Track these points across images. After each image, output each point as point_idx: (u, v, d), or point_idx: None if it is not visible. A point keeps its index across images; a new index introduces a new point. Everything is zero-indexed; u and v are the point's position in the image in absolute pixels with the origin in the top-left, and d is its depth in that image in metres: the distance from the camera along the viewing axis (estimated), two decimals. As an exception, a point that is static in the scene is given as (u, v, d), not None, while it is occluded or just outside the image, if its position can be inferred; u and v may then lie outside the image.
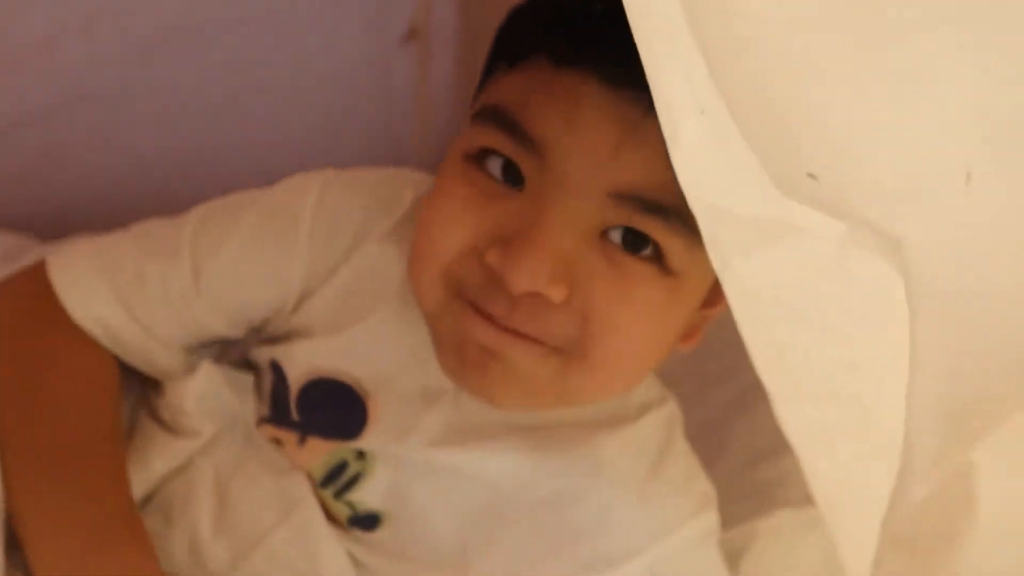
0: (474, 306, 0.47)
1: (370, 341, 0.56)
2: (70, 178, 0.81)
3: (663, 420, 0.59)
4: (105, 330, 0.58)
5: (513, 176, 0.47)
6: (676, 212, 0.44)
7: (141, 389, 0.63)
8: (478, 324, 0.47)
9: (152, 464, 0.59)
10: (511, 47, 0.49)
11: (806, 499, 0.70)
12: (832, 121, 0.26)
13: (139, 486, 0.59)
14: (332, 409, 0.56)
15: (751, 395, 0.81)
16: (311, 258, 0.56)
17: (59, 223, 0.78)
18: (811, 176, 0.28)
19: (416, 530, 0.57)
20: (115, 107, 0.83)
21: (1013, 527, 0.54)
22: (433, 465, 0.56)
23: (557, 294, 0.46)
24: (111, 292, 0.57)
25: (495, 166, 0.47)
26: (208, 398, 0.59)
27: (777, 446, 0.75)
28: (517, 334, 0.47)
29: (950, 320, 0.28)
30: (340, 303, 0.56)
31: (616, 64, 0.43)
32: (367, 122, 0.98)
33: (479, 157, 0.48)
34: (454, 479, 0.56)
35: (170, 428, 0.59)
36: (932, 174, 0.26)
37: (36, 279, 0.58)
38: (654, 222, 0.45)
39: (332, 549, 0.57)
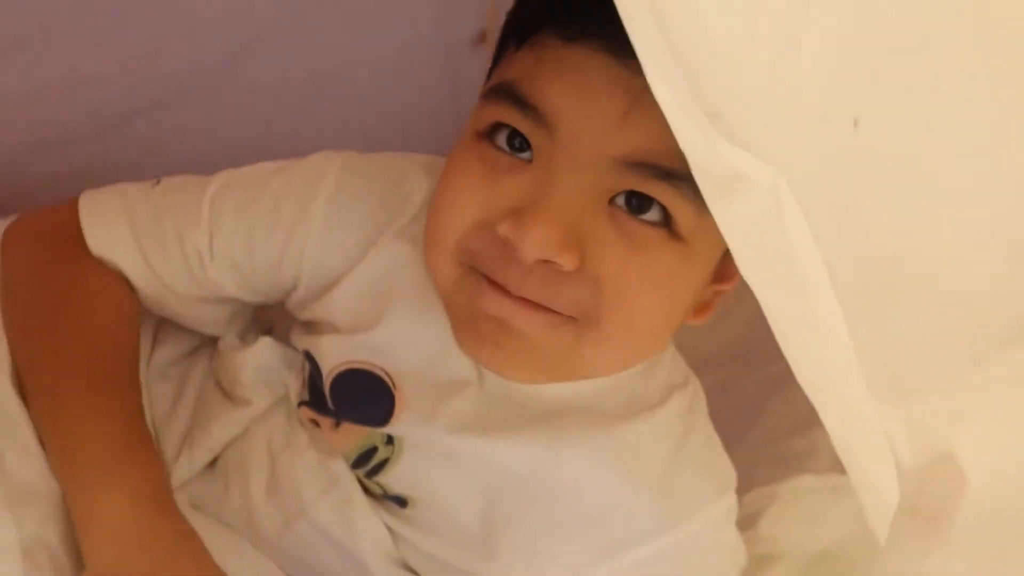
0: (487, 278, 0.47)
1: (394, 336, 0.57)
2: (171, 168, 0.90)
3: (686, 404, 0.59)
4: (121, 273, 0.60)
5: (522, 147, 0.47)
6: (684, 177, 0.43)
7: (208, 358, 0.66)
8: (491, 295, 0.47)
9: (213, 431, 0.62)
10: (519, 26, 0.49)
11: (832, 468, 0.73)
12: (733, 60, 0.28)
13: (205, 453, 0.62)
14: (363, 398, 0.58)
15: (788, 375, 0.86)
16: (317, 246, 0.57)
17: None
18: (714, 115, 0.30)
19: (440, 512, 0.59)
20: (210, 104, 0.91)
21: (999, 504, 0.58)
22: (456, 451, 0.57)
23: (569, 261, 0.45)
24: (132, 239, 0.59)
25: (503, 138, 0.47)
26: (263, 371, 0.62)
27: (810, 420, 0.79)
28: (529, 303, 0.47)
29: (850, 263, 0.31)
30: (362, 299, 0.57)
31: (622, 35, 0.43)
32: (438, 121, 1.03)
33: (490, 133, 0.48)
34: (476, 465, 0.57)
35: (229, 396, 0.62)
36: (821, 118, 0.29)
37: (70, 211, 0.61)
38: (661, 187, 0.45)
39: (369, 521, 0.60)
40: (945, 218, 0.31)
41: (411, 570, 0.62)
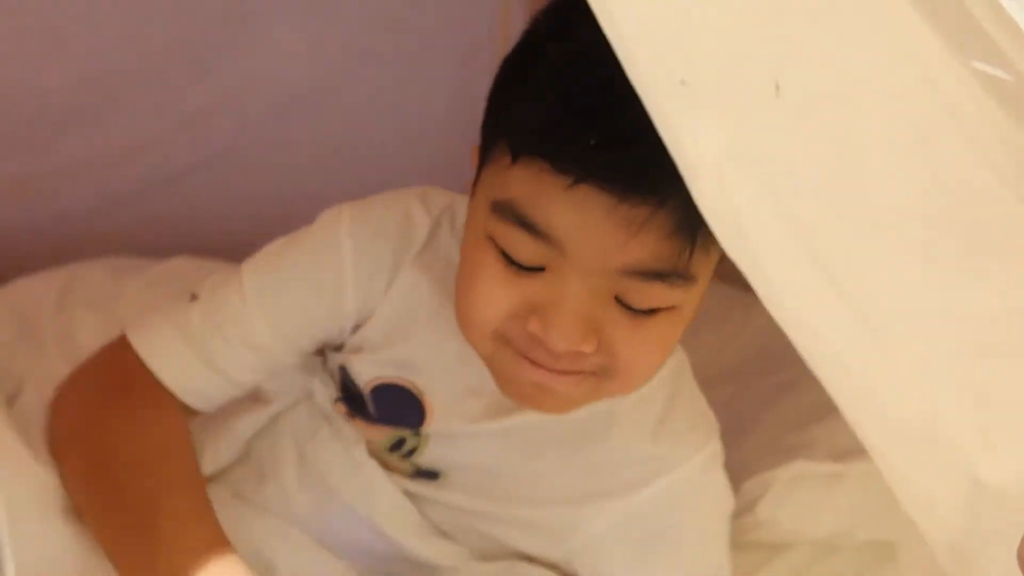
0: (524, 356, 0.57)
1: (417, 354, 0.66)
2: (224, 217, 1.00)
3: (669, 371, 0.68)
4: (186, 387, 0.65)
5: (536, 263, 0.55)
6: (672, 272, 0.53)
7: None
8: (531, 370, 0.57)
9: (236, 427, 0.70)
10: (510, 135, 0.54)
11: (829, 457, 0.79)
12: (699, 32, 0.34)
13: (231, 445, 0.70)
14: (399, 407, 0.67)
15: (789, 383, 0.92)
16: (358, 297, 0.65)
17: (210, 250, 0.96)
18: (683, 82, 0.35)
19: (468, 479, 0.69)
20: (255, 160, 1.02)
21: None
22: (476, 434, 0.67)
23: (588, 347, 0.55)
24: (197, 360, 0.65)
25: (521, 258, 0.55)
26: (284, 377, 0.70)
27: (808, 419, 0.85)
28: (562, 375, 0.57)
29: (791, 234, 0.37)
30: (389, 327, 0.66)
31: (621, 178, 0.50)
32: (462, 167, 1.14)
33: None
34: (494, 440, 0.67)
35: (251, 395, 0.70)
36: (751, 84, 0.35)
37: (119, 350, 0.66)
38: (654, 285, 0.54)
39: (392, 497, 0.70)
40: (865, 189, 0.36)
41: (440, 537, 0.72)
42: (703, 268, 0.55)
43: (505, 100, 0.57)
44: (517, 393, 0.60)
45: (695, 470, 0.68)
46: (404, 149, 1.08)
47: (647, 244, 0.52)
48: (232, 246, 0.92)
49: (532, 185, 0.52)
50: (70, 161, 0.93)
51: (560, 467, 0.68)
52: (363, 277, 0.64)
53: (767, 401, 0.89)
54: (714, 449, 0.69)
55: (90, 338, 0.77)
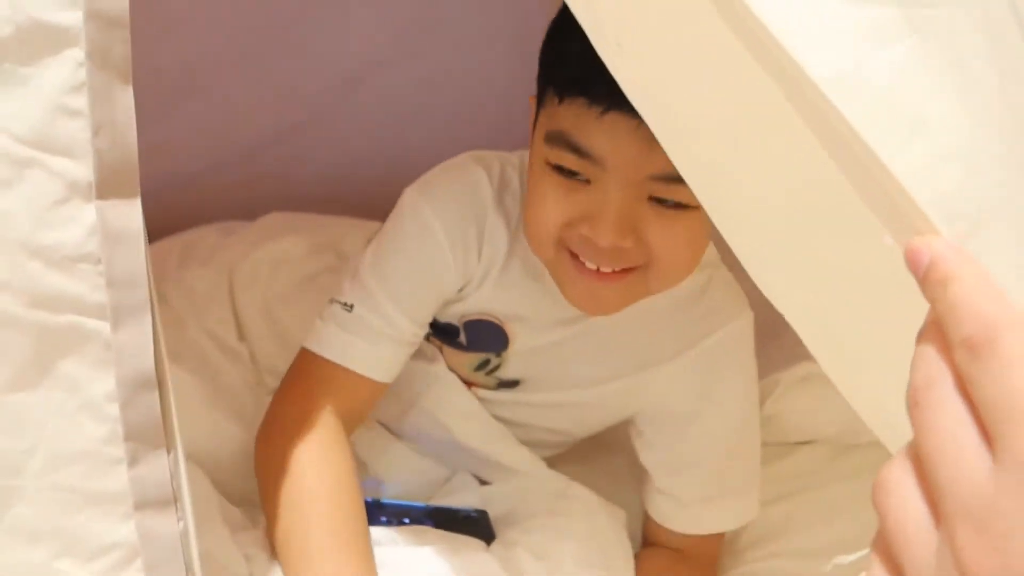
0: (579, 258, 0.70)
1: (500, 292, 0.79)
2: (308, 177, 1.15)
3: (704, 262, 0.78)
4: (372, 365, 0.76)
5: (583, 177, 0.68)
6: None
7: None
8: (585, 274, 0.70)
9: None
10: (559, 84, 0.67)
11: None
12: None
13: None
14: (486, 337, 0.82)
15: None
16: (458, 268, 0.77)
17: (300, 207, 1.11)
18: (618, 44, 0.44)
19: (545, 380, 0.84)
20: (336, 124, 1.16)
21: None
22: (550, 343, 0.81)
23: (627, 242, 0.67)
24: (372, 349, 0.76)
25: (570, 173, 0.68)
26: None
27: None
28: (610, 276, 0.69)
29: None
30: (484, 277, 0.78)
31: (623, 95, 0.56)
32: (522, 126, 1.25)
33: (558, 166, 0.68)
34: (566, 343, 0.82)
35: None
36: (607, 42, 0.45)
37: (302, 367, 0.77)
38: (679, 187, 0.64)
39: (467, 404, 0.85)
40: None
41: (509, 442, 0.86)
42: None
43: (550, 54, 0.71)
44: (575, 296, 0.73)
45: (734, 331, 0.82)
46: (469, 112, 1.21)
47: (662, 156, 0.58)
48: (319, 202, 1.09)
49: (575, 117, 0.66)
50: (180, 132, 1.08)
51: (622, 350, 0.82)
52: (459, 251, 0.76)
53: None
54: (747, 318, 0.83)
55: (203, 284, 0.94)
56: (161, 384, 0.51)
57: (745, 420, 0.84)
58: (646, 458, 0.85)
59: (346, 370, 0.76)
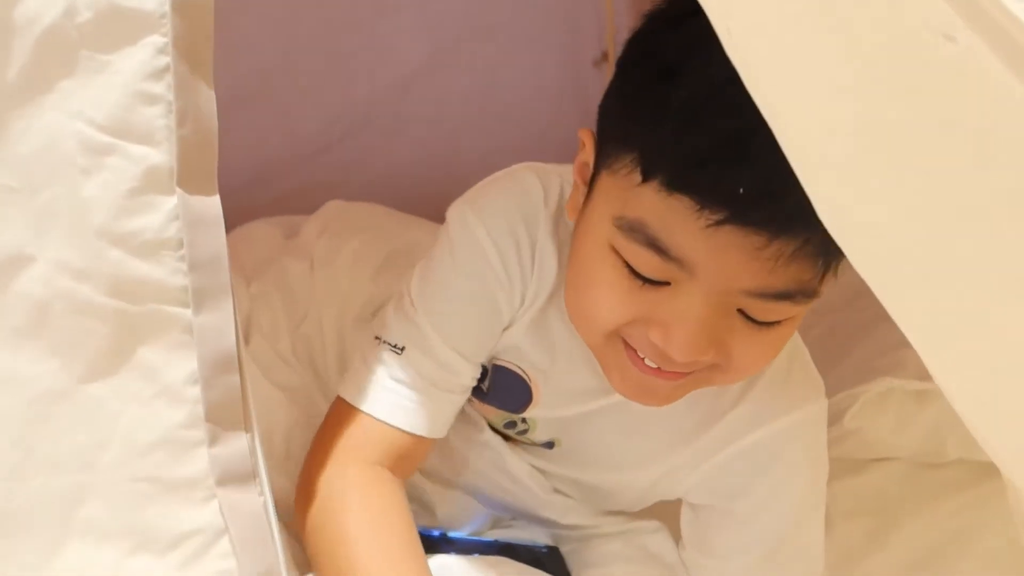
0: (639, 357, 0.59)
1: (532, 337, 0.68)
2: (360, 183, 1.16)
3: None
4: (425, 423, 0.67)
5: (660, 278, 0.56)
6: (800, 292, 0.55)
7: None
8: (642, 368, 0.59)
9: None
10: (645, 154, 0.54)
11: (917, 377, 0.87)
12: None
13: None
14: (508, 389, 0.71)
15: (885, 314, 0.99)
16: (513, 290, 0.67)
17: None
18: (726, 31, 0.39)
19: (583, 449, 0.75)
20: (385, 131, 1.18)
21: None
22: (584, 416, 0.72)
23: (708, 358, 0.57)
24: (412, 404, 0.67)
25: (645, 273, 0.56)
26: None
27: (898, 344, 0.93)
28: (673, 375, 0.59)
29: None
30: (526, 301, 0.68)
31: (773, 224, 0.50)
32: (571, 131, 1.26)
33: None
34: (598, 417, 0.72)
35: None
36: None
37: (338, 420, 0.67)
38: (781, 304, 0.55)
39: (518, 464, 0.76)
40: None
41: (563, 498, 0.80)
42: (828, 283, 0.57)
43: (635, 115, 0.55)
44: (624, 387, 0.62)
45: (803, 419, 0.69)
46: (519, 118, 1.23)
47: (786, 274, 0.53)
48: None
49: (668, 214, 0.52)
50: (230, 141, 1.09)
51: (666, 430, 0.72)
52: (512, 269, 0.66)
53: (863, 328, 0.97)
54: (822, 406, 0.71)
55: (297, 280, 0.90)
56: (239, 365, 0.51)
57: (804, 522, 0.72)
58: (687, 531, 0.77)
59: (395, 429, 0.67)
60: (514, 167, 0.69)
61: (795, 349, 0.71)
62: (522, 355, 0.70)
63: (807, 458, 0.71)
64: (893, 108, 0.34)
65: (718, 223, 0.51)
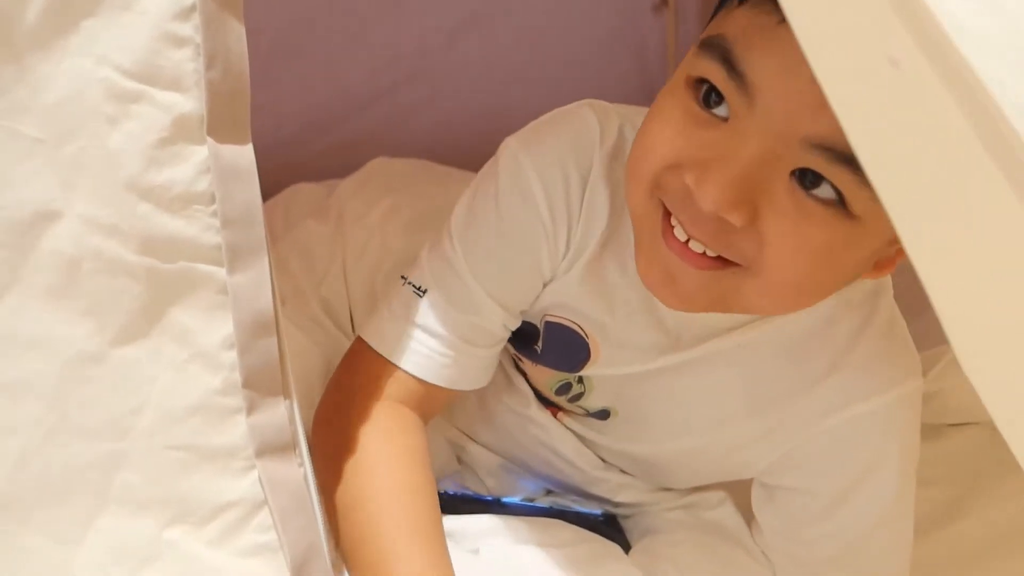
0: (667, 214, 0.54)
1: (587, 287, 0.64)
2: (408, 138, 1.13)
3: (863, 294, 0.63)
4: (451, 376, 0.64)
5: (720, 103, 0.51)
6: None
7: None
8: (671, 244, 0.54)
9: None
10: None
11: None
12: None
13: None
14: (564, 347, 0.67)
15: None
16: (558, 237, 0.62)
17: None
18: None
19: (641, 417, 0.69)
20: (433, 83, 1.14)
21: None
22: (643, 373, 0.66)
23: (737, 219, 0.50)
24: (437, 352, 0.64)
25: (704, 94, 0.52)
26: None
27: None
28: (698, 256, 0.53)
29: None
30: (573, 249, 0.63)
31: None
32: (627, 82, 1.21)
33: (697, 84, 0.52)
34: (662, 377, 0.66)
35: None
36: None
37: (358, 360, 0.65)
38: (843, 172, 0.48)
39: (566, 440, 0.73)
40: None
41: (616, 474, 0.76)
42: None
43: None
44: (648, 271, 0.57)
45: (883, 407, 0.63)
46: (571, 67, 1.17)
47: None
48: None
49: (748, 21, 0.49)
50: (277, 94, 1.07)
51: (736, 400, 0.66)
52: (559, 212, 0.62)
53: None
54: (911, 390, 0.64)
55: (318, 243, 0.87)
56: (277, 328, 0.48)
57: (890, 519, 0.66)
58: (762, 515, 0.70)
59: (414, 377, 0.64)
60: (573, 104, 0.65)
61: (894, 320, 0.64)
62: (577, 309, 0.65)
63: (901, 443, 0.64)
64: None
65: (782, 20, 0.46)
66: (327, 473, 0.61)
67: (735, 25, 0.50)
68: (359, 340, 0.66)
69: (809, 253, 0.51)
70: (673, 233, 0.54)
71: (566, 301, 0.65)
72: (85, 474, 0.46)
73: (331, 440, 0.63)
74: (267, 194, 1.04)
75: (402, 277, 0.65)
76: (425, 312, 0.63)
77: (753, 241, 0.51)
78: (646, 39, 1.21)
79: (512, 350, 0.71)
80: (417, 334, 0.63)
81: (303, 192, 0.98)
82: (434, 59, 1.12)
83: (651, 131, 0.54)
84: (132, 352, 0.47)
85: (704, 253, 0.53)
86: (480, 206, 0.64)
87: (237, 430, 0.47)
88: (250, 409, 0.48)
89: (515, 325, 0.67)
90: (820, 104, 0.41)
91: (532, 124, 0.65)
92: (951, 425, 0.87)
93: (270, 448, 0.49)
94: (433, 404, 0.66)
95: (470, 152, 1.09)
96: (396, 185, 0.95)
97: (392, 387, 0.64)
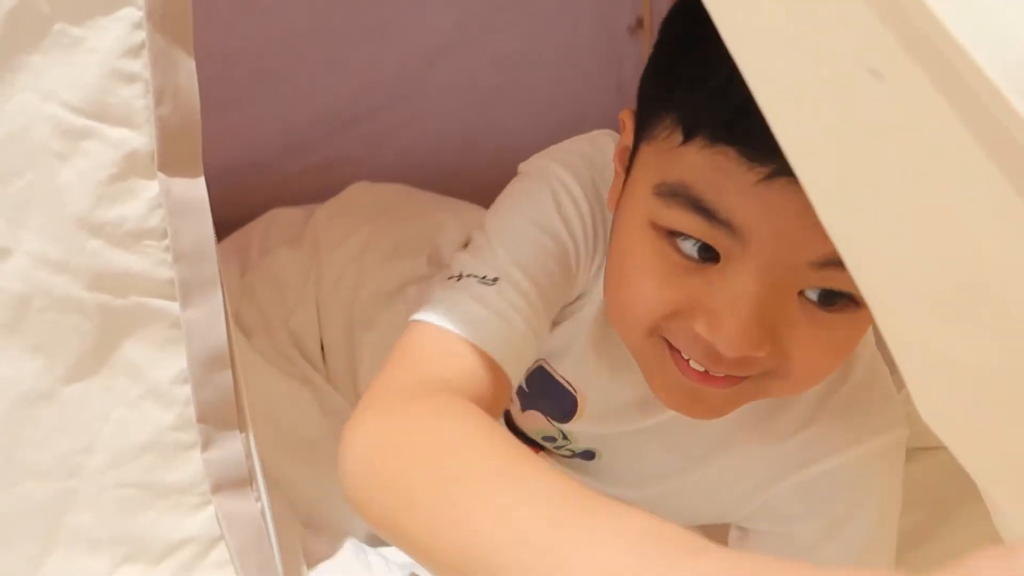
0: (681, 357, 0.51)
1: (575, 355, 0.61)
2: (389, 158, 1.12)
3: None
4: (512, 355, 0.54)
5: (708, 253, 0.48)
6: None
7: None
8: (688, 375, 0.51)
9: None
10: (685, 112, 0.47)
11: None
12: None
13: None
14: (551, 397, 0.64)
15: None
16: (586, 248, 0.58)
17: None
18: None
19: (623, 463, 0.67)
20: (414, 105, 1.12)
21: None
22: (624, 432, 0.65)
23: (762, 352, 0.48)
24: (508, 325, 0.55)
25: (690, 247, 0.48)
26: None
27: None
28: (722, 382, 0.51)
29: None
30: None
31: None
32: (604, 103, 1.21)
33: (671, 233, 0.48)
34: (645, 435, 0.64)
35: None
36: None
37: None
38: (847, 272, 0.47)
39: None
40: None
41: None
42: None
43: (674, 73, 0.49)
44: (668, 397, 0.54)
45: (858, 459, 0.61)
46: (549, 89, 1.17)
47: None
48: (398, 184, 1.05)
49: (713, 171, 0.45)
50: (255, 116, 1.06)
51: (711, 450, 0.65)
52: (586, 225, 0.58)
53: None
54: (891, 440, 0.62)
55: (291, 272, 0.85)
56: (232, 362, 0.47)
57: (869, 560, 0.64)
58: None
59: (482, 353, 0.52)
60: (593, 132, 0.62)
61: (875, 371, 0.62)
62: (568, 360, 0.62)
63: (879, 494, 0.62)
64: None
65: (769, 176, 0.43)
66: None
67: (695, 172, 0.46)
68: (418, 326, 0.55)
69: (832, 351, 0.50)
70: (689, 365, 0.51)
71: (562, 348, 0.62)
72: (34, 515, 0.46)
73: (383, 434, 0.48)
74: (245, 216, 1.05)
75: (459, 275, 0.56)
76: (494, 298, 0.54)
77: (777, 357, 0.49)
78: (623, 60, 1.21)
79: None
80: (493, 317, 0.54)
81: (281, 217, 0.97)
82: (413, 82, 1.12)
83: (632, 281, 0.51)
84: (82, 389, 0.46)
85: (725, 376, 0.51)
86: (513, 211, 0.58)
87: (191, 466, 0.47)
88: (205, 444, 0.47)
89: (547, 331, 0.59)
90: (815, 225, 0.38)
91: (554, 146, 0.61)
92: (921, 448, 0.86)
93: (227, 483, 0.48)
94: (494, 401, 0.54)
95: (449, 174, 1.10)
96: (375, 212, 0.94)
97: (462, 366, 0.52)
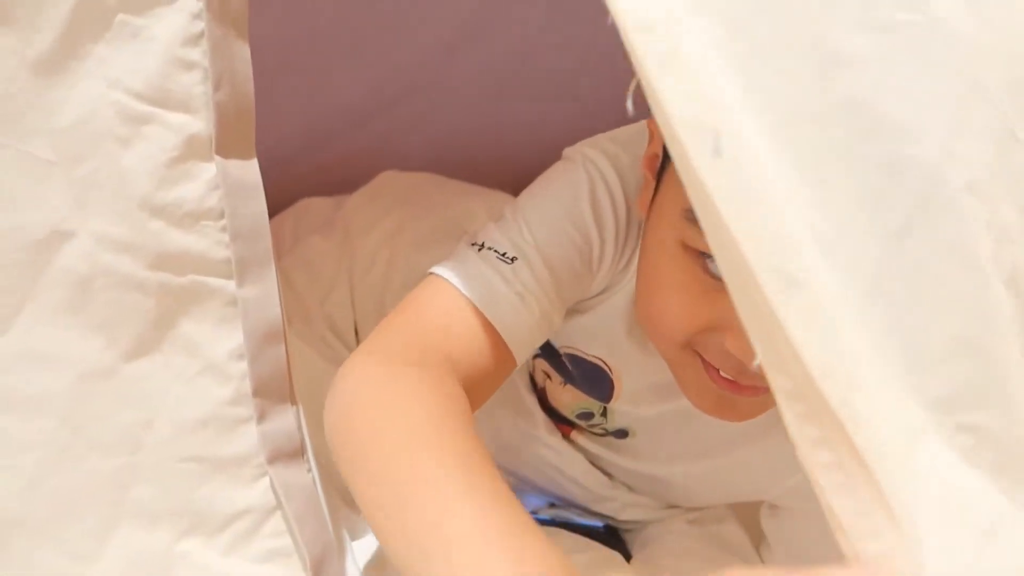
0: (714, 368, 0.54)
1: (608, 338, 0.63)
2: (408, 151, 1.13)
3: None
4: (517, 330, 0.56)
5: None
6: None
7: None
8: (719, 383, 0.54)
9: None
10: None
11: None
12: None
13: None
14: (592, 378, 0.67)
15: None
16: (604, 246, 0.59)
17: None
18: None
19: (656, 440, 0.71)
20: (432, 97, 1.13)
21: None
22: (661, 415, 0.68)
23: None
24: (520, 303, 0.56)
25: (715, 266, 0.50)
26: None
27: None
28: (752, 390, 0.54)
29: None
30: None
31: None
32: (625, 92, 1.21)
33: (701, 253, 0.51)
34: (680, 420, 0.68)
35: None
36: None
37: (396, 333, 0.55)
38: None
39: (575, 462, 0.73)
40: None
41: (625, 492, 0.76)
42: None
43: None
44: (701, 403, 0.57)
45: None
46: (566, 80, 1.17)
47: None
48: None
49: None
50: (277, 109, 1.07)
51: (748, 425, 0.64)
52: (615, 223, 0.59)
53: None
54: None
55: (323, 259, 0.87)
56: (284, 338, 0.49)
57: None
58: (771, 535, 0.71)
59: (488, 325, 0.54)
60: (643, 122, 0.61)
61: None
62: (599, 342, 0.64)
63: None
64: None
65: None
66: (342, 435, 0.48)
67: None
68: (435, 280, 0.57)
69: None
70: (719, 374, 0.54)
71: (599, 333, 0.63)
72: (99, 489, 0.47)
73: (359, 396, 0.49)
74: (271, 211, 1.06)
75: (481, 244, 0.58)
76: (512, 277, 0.56)
77: None
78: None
79: (546, 365, 0.71)
80: (506, 291, 0.55)
81: (312, 206, 0.99)
82: (433, 72, 1.12)
83: (664, 298, 0.54)
84: (143, 366, 0.47)
85: (754, 385, 0.53)
86: (547, 196, 0.59)
87: (247, 439, 0.48)
88: (260, 417, 0.48)
89: (561, 320, 0.60)
90: None
91: (594, 143, 0.61)
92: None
93: (282, 454, 0.49)
94: (489, 377, 0.56)
95: (471, 164, 1.10)
96: (405, 199, 0.95)
97: (462, 331, 0.54)
